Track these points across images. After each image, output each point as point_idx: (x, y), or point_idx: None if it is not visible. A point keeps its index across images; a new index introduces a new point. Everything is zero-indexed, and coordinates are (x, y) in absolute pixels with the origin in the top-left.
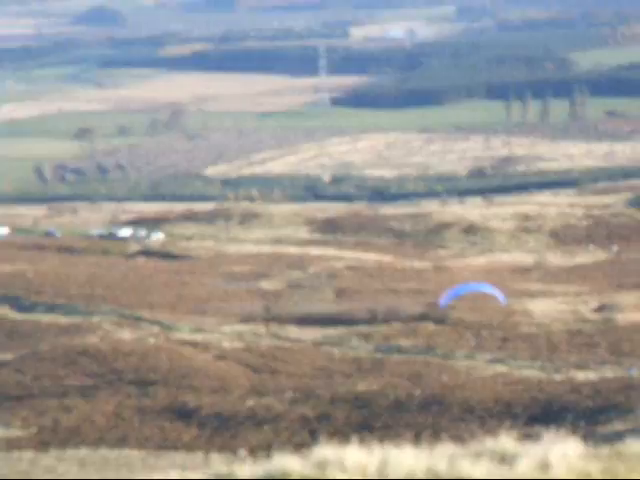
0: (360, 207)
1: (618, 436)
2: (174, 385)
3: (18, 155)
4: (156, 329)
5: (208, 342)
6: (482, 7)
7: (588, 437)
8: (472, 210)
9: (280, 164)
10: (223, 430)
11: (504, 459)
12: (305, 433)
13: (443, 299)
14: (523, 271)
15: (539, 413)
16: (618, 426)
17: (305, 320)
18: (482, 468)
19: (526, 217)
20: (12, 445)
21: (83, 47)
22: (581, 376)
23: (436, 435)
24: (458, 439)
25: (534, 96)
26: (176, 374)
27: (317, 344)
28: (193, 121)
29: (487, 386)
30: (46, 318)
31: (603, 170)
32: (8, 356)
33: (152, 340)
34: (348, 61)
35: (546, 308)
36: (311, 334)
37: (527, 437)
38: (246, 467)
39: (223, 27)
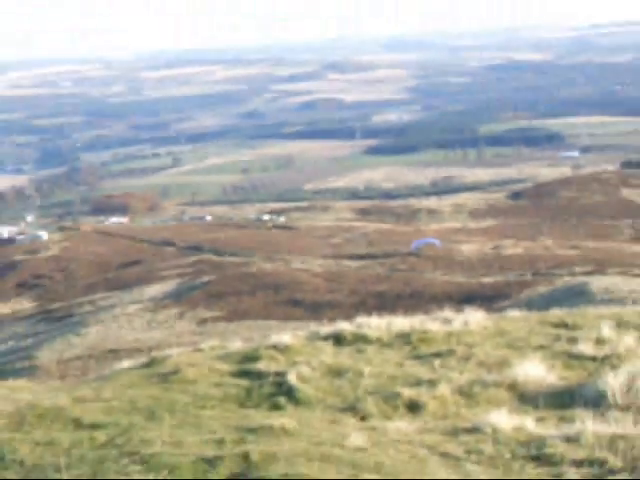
0: (376, 203)
1: (503, 309)
2: (291, 288)
3: None
4: (281, 262)
5: (307, 268)
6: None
7: (488, 311)
8: (431, 202)
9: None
10: (315, 311)
11: (447, 321)
12: (353, 311)
13: (414, 245)
14: (457, 231)
15: (464, 299)
16: (503, 304)
17: (352, 257)
18: (435, 325)
19: (457, 205)
20: (216, 319)
21: None
22: (485, 280)
23: (415, 311)
24: (425, 312)
25: (462, 147)
26: (292, 283)
27: (358, 268)
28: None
29: (440, 286)
30: (230, 259)
31: (494, 181)
32: (212, 277)
33: (281, 268)
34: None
35: (468, 248)
36: (355, 264)
37: (458, 311)
38: (325, 329)
39: None
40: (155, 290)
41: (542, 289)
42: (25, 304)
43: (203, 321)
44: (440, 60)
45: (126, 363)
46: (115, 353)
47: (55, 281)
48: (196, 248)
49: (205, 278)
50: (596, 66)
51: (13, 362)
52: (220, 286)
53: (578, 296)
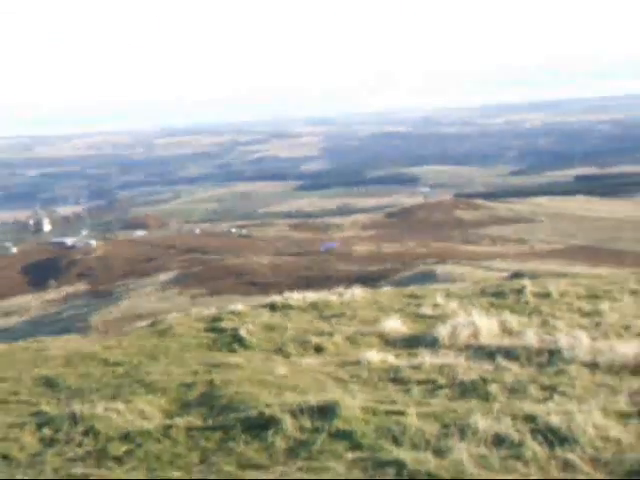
0: (302, 220)
1: (380, 286)
2: (249, 275)
3: None
4: (243, 258)
5: (259, 262)
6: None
7: (371, 287)
8: (337, 220)
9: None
10: (264, 289)
11: (341, 294)
12: (288, 289)
13: (322, 247)
14: (352, 238)
15: (356, 280)
16: (381, 284)
17: (288, 254)
18: (334, 297)
19: (353, 221)
20: (203, 295)
21: None
22: (370, 268)
23: (325, 288)
24: (330, 289)
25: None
26: (250, 271)
27: (292, 262)
28: None
29: (341, 272)
30: (211, 256)
31: (376, 206)
32: (200, 268)
33: (243, 262)
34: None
35: (360, 248)
36: (290, 259)
37: (349, 288)
38: (266, 300)
39: None
40: (164, 277)
41: (406, 273)
42: (82, 287)
43: (194, 296)
44: (341, 131)
45: (140, 324)
46: (139, 317)
47: (100, 272)
48: (190, 250)
49: (195, 269)
50: (437, 135)
51: (74, 323)
52: (205, 274)
53: (428, 278)
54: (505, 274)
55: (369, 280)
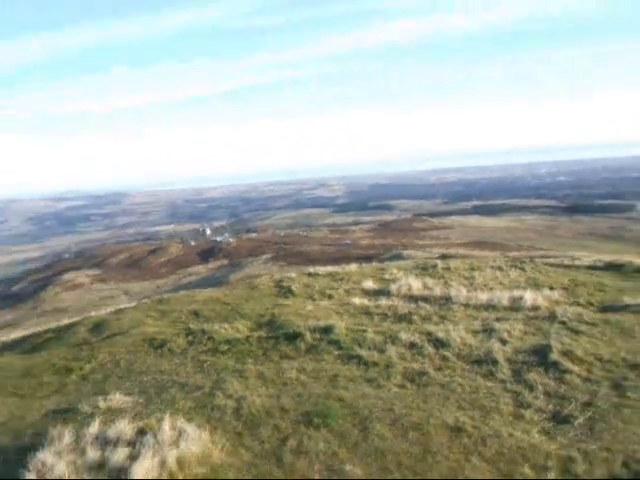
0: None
1: (371, 262)
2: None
3: None
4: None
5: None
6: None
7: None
8: (351, 227)
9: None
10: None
11: (344, 267)
12: (324, 263)
13: (342, 243)
14: (360, 237)
15: (361, 259)
16: (374, 261)
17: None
18: (339, 269)
19: (361, 228)
20: None
21: None
22: (369, 252)
23: (344, 263)
24: (344, 264)
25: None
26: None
27: (334, 251)
28: None
29: (353, 254)
30: None
31: (372, 221)
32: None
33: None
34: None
35: (364, 242)
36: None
37: (350, 263)
38: (310, 270)
39: None
40: (265, 256)
41: (387, 255)
42: (225, 262)
43: (280, 266)
44: (354, 182)
45: (242, 283)
46: (254, 277)
47: (235, 254)
48: (278, 243)
49: (281, 252)
50: (405, 185)
51: (221, 279)
52: (286, 255)
53: (398, 257)
54: (436, 255)
55: (368, 259)
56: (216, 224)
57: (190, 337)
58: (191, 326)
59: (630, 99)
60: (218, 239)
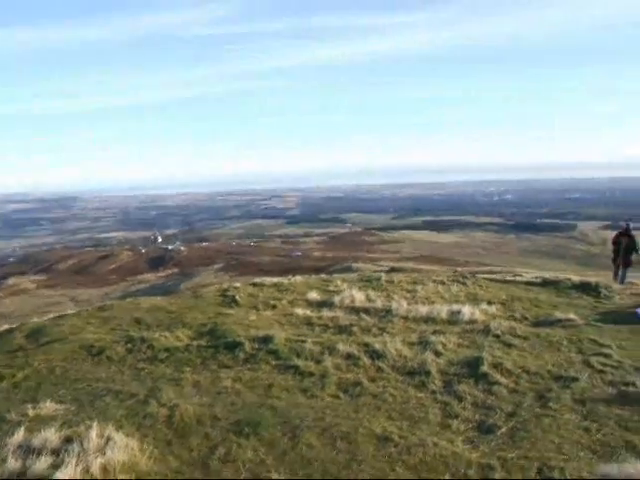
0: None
1: (322, 274)
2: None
3: None
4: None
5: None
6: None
7: (316, 274)
8: (304, 239)
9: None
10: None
11: (291, 279)
12: (307, 273)
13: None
14: (312, 249)
15: (311, 271)
16: (324, 273)
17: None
18: (286, 280)
19: (313, 240)
20: None
21: None
22: (320, 264)
23: (296, 274)
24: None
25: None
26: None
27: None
28: None
29: (305, 266)
30: None
31: (323, 233)
32: None
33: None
34: None
35: (315, 254)
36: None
37: (297, 275)
38: (254, 280)
39: None
40: (217, 266)
41: (337, 267)
42: (176, 270)
43: (231, 276)
44: (307, 195)
45: (188, 292)
46: (203, 286)
47: (185, 262)
48: (229, 253)
49: (232, 262)
50: (358, 198)
51: (171, 288)
52: (237, 265)
53: (348, 270)
54: (386, 268)
55: (319, 270)
56: (168, 232)
57: (130, 345)
58: (132, 334)
59: (570, 125)
60: (169, 247)
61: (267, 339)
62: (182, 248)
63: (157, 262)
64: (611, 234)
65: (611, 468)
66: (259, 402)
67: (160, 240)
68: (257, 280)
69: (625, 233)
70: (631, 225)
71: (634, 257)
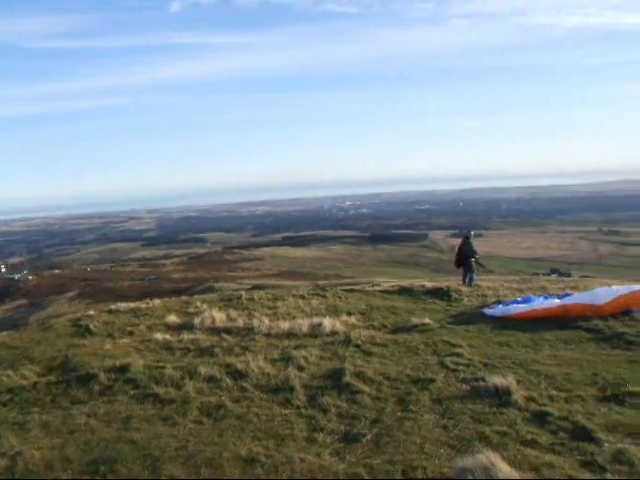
0: None
1: (183, 295)
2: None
3: None
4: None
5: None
6: None
7: (177, 296)
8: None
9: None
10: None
11: (149, 303)
12: (167, 295)
13: (146, 278)
14: (172, 271)
15: (172, 293)
16: (185, 295)
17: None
18: (143, 305)
19: (174, 262)
20: None
21: None
22: (182, 285)
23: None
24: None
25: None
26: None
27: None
28: None
29: (170, 287)
30: None
31: (184, 254)
32: None
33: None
34: None
35: (177, 276)
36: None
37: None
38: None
39: None
40: (71, 294)
41: (199, 288)
42: (24, 301)
43: (87, 303)
44: (164, 216)
45: (55, 320)
46: (57, 316)
47: (35, 292)
48: (84, 279)
49: (87, 289)
50: (215, 217)
51: (19, 321)
52: (92, 291)
53: (210, 290)
54: (248, 286)
55: (180, 292)
56: (13, 260)
57: None
58: None
59: (416, 141)
60: (16, 277)
61: (124, 368)
62: (30, 277)
63: (2, 294)
64: (458, 241)
65: (466, 460)
66: (116, 437)
67: (4, 270)
68: (113, 307)
69: (465, 241)
70: (472, 233)
71: (474, 261)
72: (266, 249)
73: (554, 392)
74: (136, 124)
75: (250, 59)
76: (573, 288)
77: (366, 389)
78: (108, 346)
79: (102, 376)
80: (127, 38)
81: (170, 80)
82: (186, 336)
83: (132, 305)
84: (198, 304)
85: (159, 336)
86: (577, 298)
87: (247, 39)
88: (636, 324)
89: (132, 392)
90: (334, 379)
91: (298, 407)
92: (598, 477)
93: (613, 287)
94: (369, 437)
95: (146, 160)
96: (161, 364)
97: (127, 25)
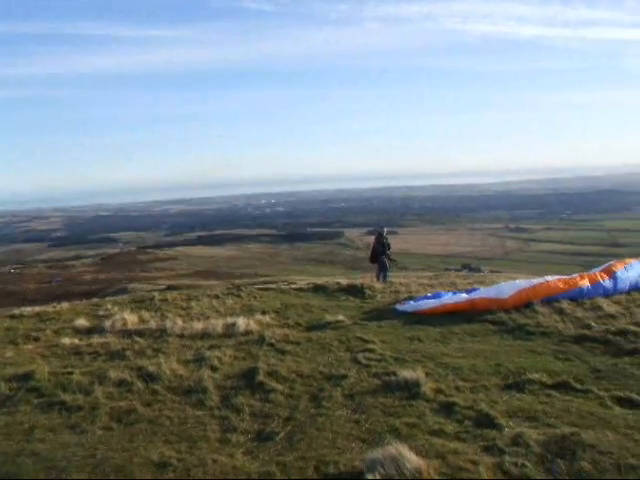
0: None
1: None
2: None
3: None
4: None
5: None
6: None
7: (86, 299)
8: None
9: None
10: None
11: (56, 306)
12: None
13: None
14: (84, 271)
15: (83, 295)
16: (97, 297)
17: None
18: (50, 308)
19: (84, 262)
20: None
21: None
22: (94, 287)
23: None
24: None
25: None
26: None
27: None
28: None
29: (81, 289)
30: None
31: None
32: None
33: None
34: None
35: (88, 277)
36: None
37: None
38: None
39: None
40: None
41: (111, 290)
42: None
43: None
44: (74, 215)
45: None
46: None
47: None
48: None
49: None
50: (127, 217)
51: None
52: None
53: (122, 292)
54: (162, 287)
55: (92, 295)
56: None
57: None
58: None
59: (326, 141)
60: None
61: (27, 376)
62: None
63: None
64: (372, 239)
65: (376, 452)
66: (17, 450)
67: None
68: (16, 311)
69: (379, 238)
70: (385, 231)
71: (386, 257)
72: (180, 249)
73: (461, 383)
74: (39, 118)
75: (165, 54)
76: (480, 283)
77: (279, 387)
78: (10, 353)
79: (2, 386)
80: (28, 25)
81: (79, 72)
82: (96, 340)
83: (38, 309)
84: (109, 306)
85: (67, 341)
86: (483, 292)
87: (161, 32)
88: (536, 316)
89: (36, 401)
90: (248, 378)
91: (211, 408)
92: (497, 459)
93: (516, 281)
94: (282, 435)
95: (49, 157)
96: (68, 370)
97: (29, 10)
